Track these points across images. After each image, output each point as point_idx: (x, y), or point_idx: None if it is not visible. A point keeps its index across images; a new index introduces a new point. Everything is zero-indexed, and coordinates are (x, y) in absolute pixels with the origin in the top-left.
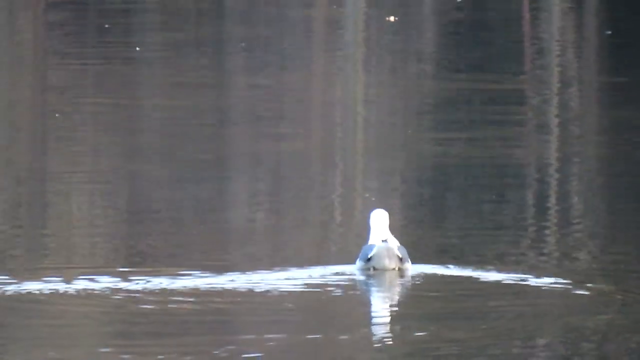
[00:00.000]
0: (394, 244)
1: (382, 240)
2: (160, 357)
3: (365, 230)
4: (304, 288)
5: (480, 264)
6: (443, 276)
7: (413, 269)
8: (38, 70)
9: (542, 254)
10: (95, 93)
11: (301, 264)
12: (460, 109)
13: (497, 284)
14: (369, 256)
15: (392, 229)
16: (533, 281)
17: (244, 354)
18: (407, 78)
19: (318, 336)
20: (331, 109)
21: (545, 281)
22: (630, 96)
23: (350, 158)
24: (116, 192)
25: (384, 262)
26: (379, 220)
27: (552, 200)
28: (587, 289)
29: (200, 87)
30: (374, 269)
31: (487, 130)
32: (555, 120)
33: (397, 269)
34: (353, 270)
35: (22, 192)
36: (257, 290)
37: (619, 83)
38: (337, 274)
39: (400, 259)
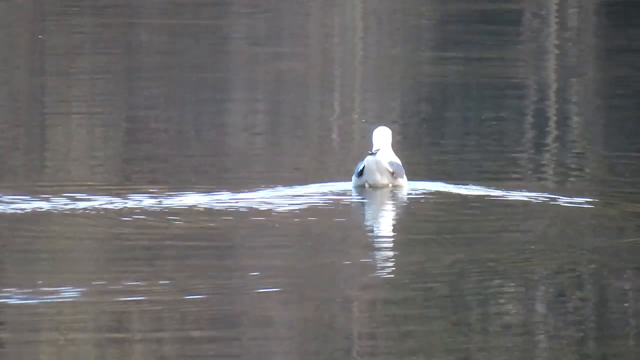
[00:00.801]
0: (385, 157)
1: (369, 153)
2: (157, 281)
3: (364, 149)
4: (302, 208)
5: (478, 182)
6: (441, 193)
7: (411, 186)
8: None
9: (542, 173)
10: (91, 14)
11: (299, 182)
12: (459, 29)
13: (501, 202)
14: (359, 169)
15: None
16: (534, 200)
17: (241, 278)
18: None
19: (319, 259)
20: (330, 29)
21: (548, 199)
22: (630, 16)
23: (349, 78)
24: (114, 112)
25: (375, 177)
26: (381, 137)
27: (551, 120)
28: (588, 207)
29: (199, 8)
30: (368, 184)
31: (486, 50)
32: (554, 41)
33: (390, 185)
34: (349, 188)
35: (21, 113)
36: (256, 210)
37: (620, 2)
38: (335, 192)
39: (392, 173)
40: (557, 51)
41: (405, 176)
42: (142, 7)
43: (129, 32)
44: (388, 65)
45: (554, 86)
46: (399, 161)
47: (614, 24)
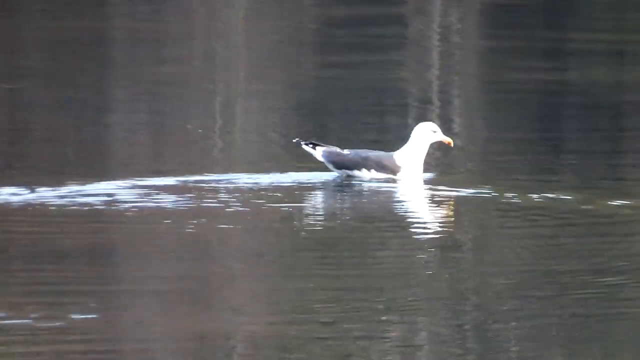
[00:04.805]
0: (322, 149)
1: (305, 144)
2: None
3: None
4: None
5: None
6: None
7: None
8: None
9: (429, 169)
10: None
11: (184, 175)
12: (342, 33)
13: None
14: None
15: (279, 151)
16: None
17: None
18: (290, 2)
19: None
20: (212, 32)
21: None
22: (513, 18)
23: (233, 79)
24: None
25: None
26: (414, 133)
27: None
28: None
29: (82, 10)
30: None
31: (368, 53)
32: (436, 44)
33: (345, 174)
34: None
35: None
36: (149, 209)
37: (502, 5)
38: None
39: (335, 163)
40: (440, 52)
41: (366, 169)
42: (22, 7)
43: (11, 31)
44: (270, 68)
45: (437, 87)
46: (371, 153)
47: (496, 26)
